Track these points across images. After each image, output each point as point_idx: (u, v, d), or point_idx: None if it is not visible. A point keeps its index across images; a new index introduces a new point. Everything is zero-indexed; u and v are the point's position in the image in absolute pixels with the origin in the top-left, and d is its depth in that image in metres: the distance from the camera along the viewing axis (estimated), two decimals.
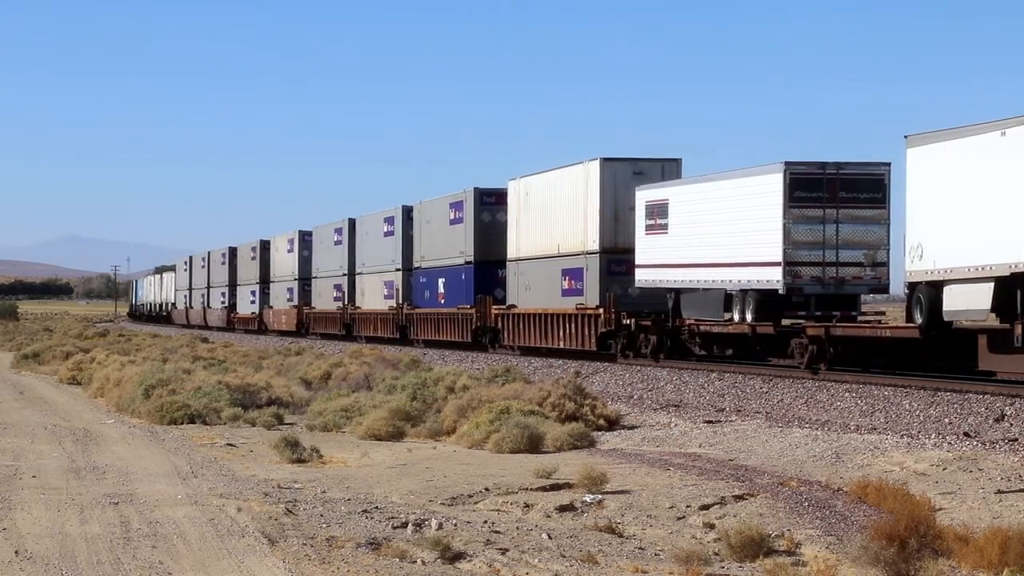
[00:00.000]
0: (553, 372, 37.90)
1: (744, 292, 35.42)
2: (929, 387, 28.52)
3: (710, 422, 26.04)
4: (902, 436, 22.30)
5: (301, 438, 22.86)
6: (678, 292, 39.19)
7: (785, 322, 34.70)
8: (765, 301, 34.64)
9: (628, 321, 41.46)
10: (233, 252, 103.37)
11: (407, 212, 63.01)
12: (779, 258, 33.59)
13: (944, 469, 18.41)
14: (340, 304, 73.31)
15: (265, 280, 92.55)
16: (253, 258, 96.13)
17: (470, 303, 53.57)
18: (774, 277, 33.87)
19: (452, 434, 24.99)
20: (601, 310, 42.29)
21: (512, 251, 50.17)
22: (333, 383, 35.31)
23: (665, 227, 39.07)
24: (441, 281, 57.67)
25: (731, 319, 36.33)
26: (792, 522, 15.54)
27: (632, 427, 26.28)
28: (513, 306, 49.92)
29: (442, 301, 57.52)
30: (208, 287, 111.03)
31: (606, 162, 42.92)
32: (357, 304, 70.40)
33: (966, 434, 22.51)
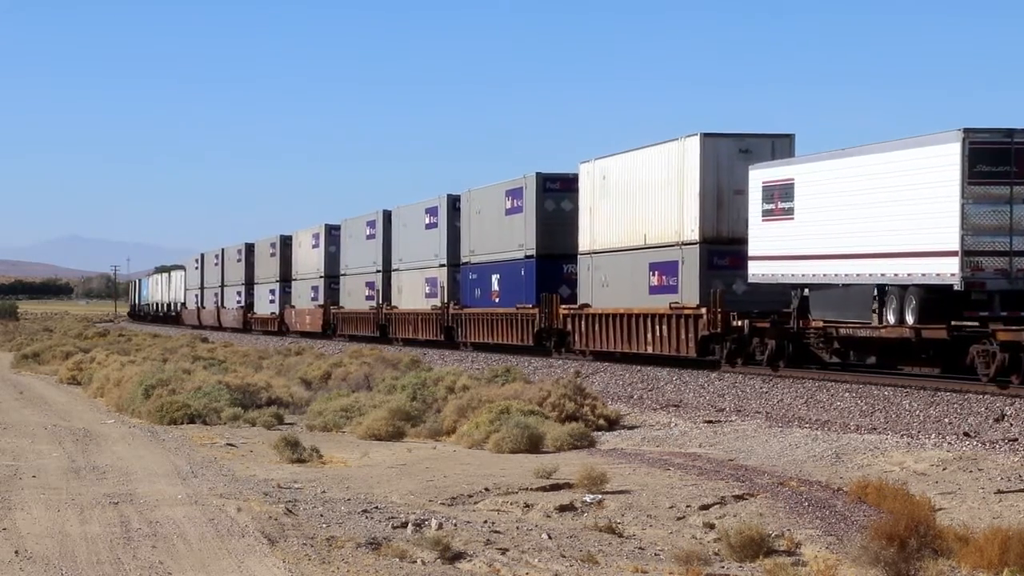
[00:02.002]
0: (553, 372, 37.83)
1: (903, 288, 29.87)
2: (929, 387, 28.53)
3: (710, 422, 26.02)
4: (902, 436, 22.30)
5: (301, 438, 22.86)
6: (805, 288, 33.93)
7: (957, 323, 28.99)
8: (933, 299, 29.04)
9: (739, 323, 35.65)
10: (250, 248, 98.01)
11: (453, 202, 57.48)
12: (955, 246, 27.86)
13: (944, 469, 18.41)
14: (373, 303, 67.81)
15: (286, 278, 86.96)
16: (272, 255, 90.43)
17: (532, 302, 47.88)
18: (947, 270, 28.15)
19: (452, 434, 24.99)
20: (703, 310, 36.49)
21: (584, 243, 44.25)
22: (333, 383, 35.31)
23: (790, 212, 33.45)
24: (495, 278, 52.12)
25: (882, 320, 30.80)
26: (792, 522, 15.54)
27: (632, 427, 26.27)
28: (586, 305, 43.89)
29: (496, 300, 51.96)
30: (222, 285, 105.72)
31: (707, 138, 37.22)
32: (394, 303, 65.03)
33: (966, 434, 22.50)
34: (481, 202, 53.98)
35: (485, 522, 15.69)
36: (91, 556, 13.41)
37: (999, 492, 16.51)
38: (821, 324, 33.29)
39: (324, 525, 15.08)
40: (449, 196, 58.19)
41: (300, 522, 15.22)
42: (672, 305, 38.21)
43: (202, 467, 20.37)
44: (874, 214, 30.44)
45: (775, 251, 34.14)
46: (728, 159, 37.08)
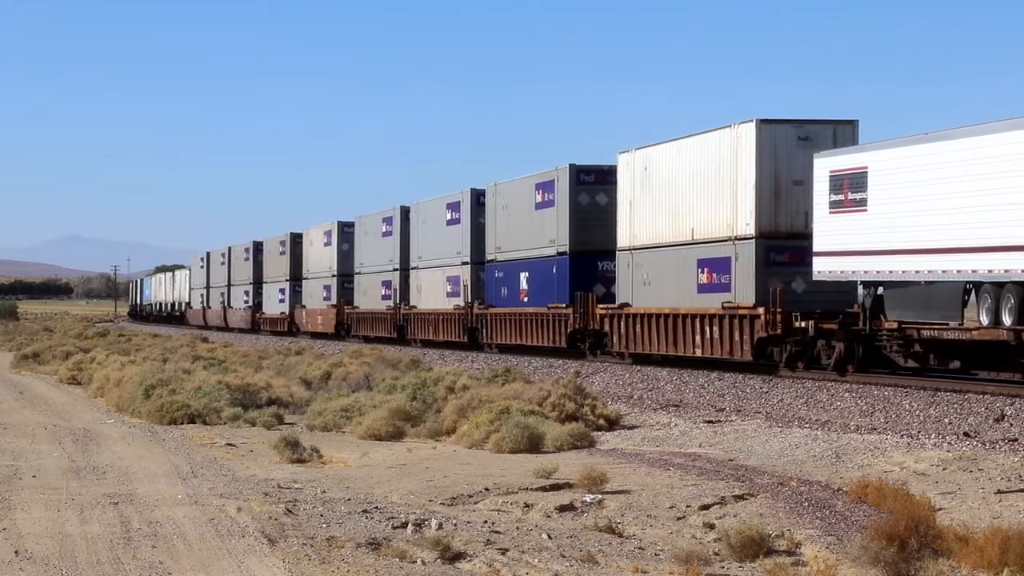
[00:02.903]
0: (553, 372, 37.80)
1: (998, 286, 27.13)
2: (929, 387, 28.50)
3: (710, 422, 26.03)
4: (902, 436, 22.30)
5: (301, 438, 22.87)
6: (878, 286, 31.07)
7: None
8: None
9: (802, 323, 32.83)
10: (258, 247, 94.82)
11: (476, 196, 54.72)
12: None
13: (944, 469, 18.41)
14: (391, 303, 64.83)
15: (296, 277, 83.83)
16: (282, 253, 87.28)
17: (565, 301, 44.97)
18: None
19: (452, 434, 25.00)
20: (761, 310, 33.76)
21: (624, 238, 41.39)
22: (333, 383, 35.32)
23: (862, 203, 30.45)
24: (523, 276, 49.33)
25: (963, 320, 28.54)
26: (792, 522, 15.54)
27: (632, 427, 26.27)
28: (626, 304, 40.96)
29: (525, 299, 49.11)
30: (229, 285, 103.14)
31: (764, 124, 34.38)
32: (412, 303, 62.13)
33: (966, 434, 22.49)
34: (508, 196, 51.04)
35: (485, 522, 15.69)
36: (91, 556, 13.41)
37: (999, 492, 16.50)
38: (895, 325, 30.52)
39: (324, 525, 15.08)
40: (473, 190, 55.47)
41: (300, 522, 15.22)
42: (725, 305, 35.41)
43: (202, 467, 20.38)
44: (965, 204, 27.38)
45: (844, 246, 31.28)
46: (786, 147, 34.37)
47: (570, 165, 45.49)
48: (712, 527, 15.70)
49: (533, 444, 22.37)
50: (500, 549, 14.07)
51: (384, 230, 67.02)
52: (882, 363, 31.85)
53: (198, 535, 14.39)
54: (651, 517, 16.24)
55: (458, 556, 13.64)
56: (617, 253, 42.02)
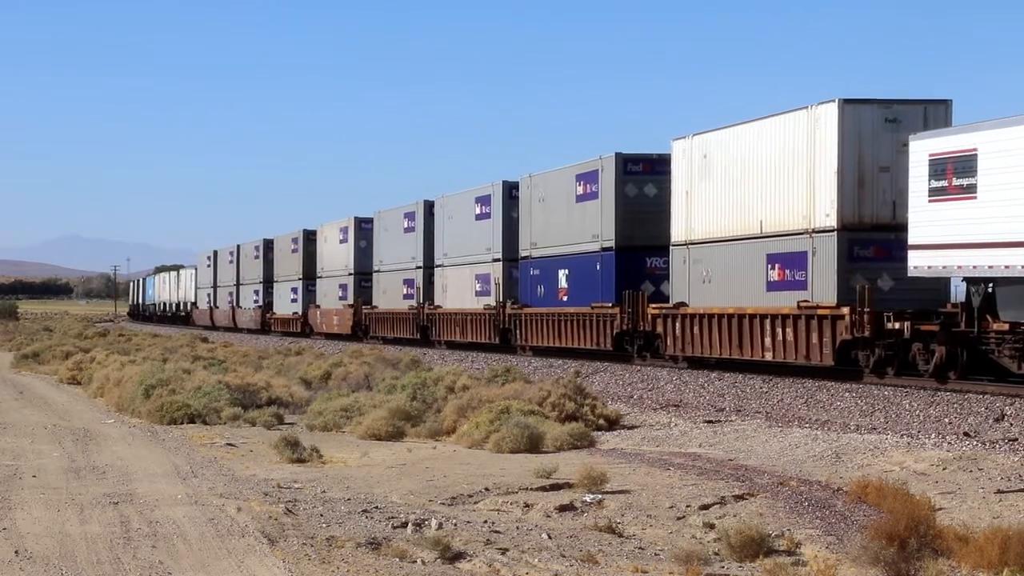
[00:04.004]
0: (553, 372, 37.79)
1: None
2: (929, 387, 28.51)
3: (710, 422, 26.03)
4: (902, 436, 22.31)
5: (301, 438, 22.88)
6: (988, 283, 27.66)
7: None
8: None
9: (896, 325, 29.49)
10: (269, 245, 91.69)
11: (508, 189, 51.65)
12: None
13: (944, 469, 18.42)
14: (413, 303, 61.67)
15: (310, 276, 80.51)
16: (295, 251, 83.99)
17: (610, 301, 41.75)
18: None
19: (452, 434, 25.01)
20: (845, 309, 30.68)
21: (679, 232, 38.16)
22: (333, 383, 35.34)
23: (971, 189, 27.13)
24: (562, 273, 46.05)
25: None
26: (792, 522, 15.55)
27: (632, 427, 26.28)
28: (682, 304, 37.75)
29: (564, 299, 45.85)
30: (237, 284, 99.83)
31: (848, 105, 31.21)
32: (437, 303, 58.86)
33: (966, 434, 22.50)
34: (545, 188, 47.51)
35: (485, 522, 15.70)
36: (91, 556, 13.41)
37: (999, 492, 16.51)
38: (1010, 326, 27.29)
39: (324, 525, 15.08)
40: (505, 183, 52.27)
41: (300, 522, 15.22)
42: (801, 304, 32.28)
43: (202, 467, 20.39)
44: None
45: (947, 238, 27.88)
46: (871, 130, 31.27)
47: (616, 154, 42.03)
48: (712, 527, 15.70)
49: (533, 444, 22.38)
50: (500, 549, 14.08)
51: (406, 226, 63.77)
52: (986, 369, 28.70)
53: (198, 535, 14.40)
54: (651, 517, 16.25)
55: (458, 556, 13.65)
56: (671, 248, 38.77)
